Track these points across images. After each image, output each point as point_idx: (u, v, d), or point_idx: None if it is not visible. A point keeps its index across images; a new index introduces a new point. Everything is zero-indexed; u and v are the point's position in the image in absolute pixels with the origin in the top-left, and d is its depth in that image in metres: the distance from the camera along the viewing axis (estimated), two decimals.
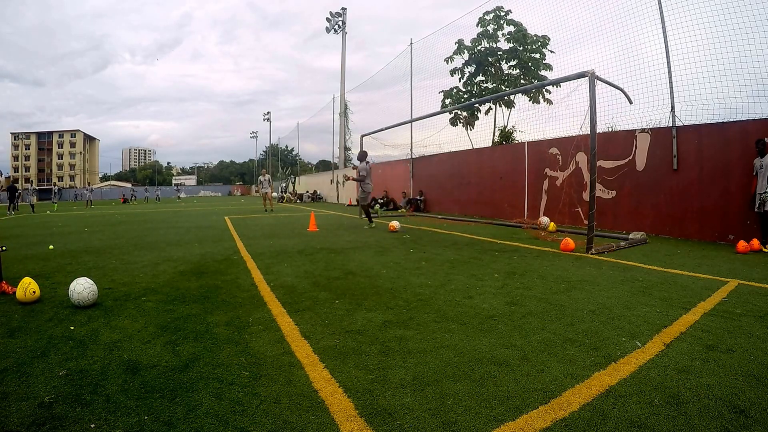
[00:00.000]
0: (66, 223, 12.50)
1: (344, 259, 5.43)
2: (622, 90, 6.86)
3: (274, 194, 27.99)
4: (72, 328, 2.76)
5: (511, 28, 14.44)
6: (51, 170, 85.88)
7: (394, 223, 8.84)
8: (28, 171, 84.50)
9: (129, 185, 59.85)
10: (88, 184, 34.48)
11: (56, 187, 29.90)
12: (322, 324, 2.84)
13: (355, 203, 20.57)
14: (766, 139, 6.16)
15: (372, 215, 10.16)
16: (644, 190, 8.25)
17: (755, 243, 5.99)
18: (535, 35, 14.08)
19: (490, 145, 14.25)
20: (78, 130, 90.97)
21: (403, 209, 16.28)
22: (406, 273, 4.50)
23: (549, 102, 13.74)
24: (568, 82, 7.00)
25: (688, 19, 7.31)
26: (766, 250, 5.82)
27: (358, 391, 1.90)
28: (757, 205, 6.14)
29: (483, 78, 15.45)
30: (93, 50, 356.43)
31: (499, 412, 1.71)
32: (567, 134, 9.80)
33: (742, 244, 5.93)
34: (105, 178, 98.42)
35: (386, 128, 13.28)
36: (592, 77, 5.79)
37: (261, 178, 17.87)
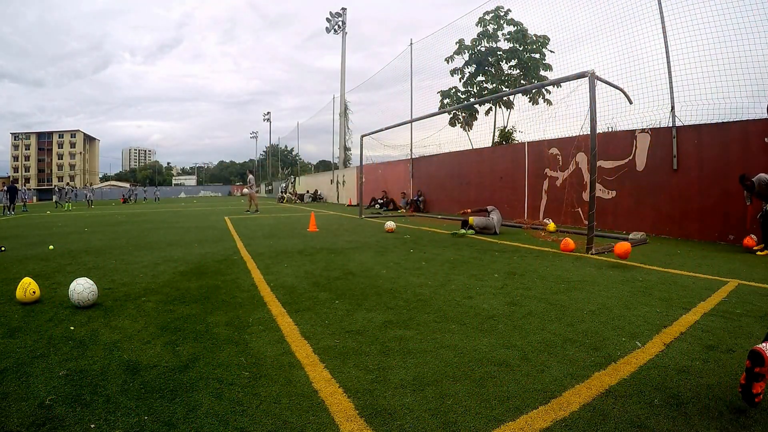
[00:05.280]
0: (66, 223, 12.50)
1: (344, 259, 5.43)
2: (622, 90, 6.86)
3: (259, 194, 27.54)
4: (72, 328, 2.76)
5: (511, 28, 14.44)
6: (51, 170, 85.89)
7: (390, 224, 8.85)
8: (28, 171, 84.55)
9: (127, 185, 59.75)
10: (90, 184, 34.80)
11: (68, 186, 30.70)
12: (322, 324, 2.84)
13: (356, 203, 20.55)
14: (746, 174, 5.85)
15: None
16: (644, 190, 8.25)
17: (750, 241, 6.03)
18: (535, 35, 14.08)
19: (490, 145, 14.25)
20: (78, 131, 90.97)
21: (402, 209, 16.28)
22: (406, 273, 4.50)
23: (549, 102, 13.74)
24: (568, 83, 7.01)
25: (688, 19, 7.31)
26: (761, 254, 5.77)
27: (358, 391, 1.89)
28: (759, 214, 6.07)
29: (483, 78, 15.46)
30: (93, 50, 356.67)
31: (499, 412, 1.71)
32: (567, 134, 9.80)
33: (749, 239, 6.04)
34: (105, 178, 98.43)
35: (386, 128, 13.28)
36: (592, 77, 5.79)
37: (252, 177, 17.43)
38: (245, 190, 17.49)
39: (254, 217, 14.11)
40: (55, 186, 34.67)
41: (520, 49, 14.30)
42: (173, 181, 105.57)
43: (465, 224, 8.30)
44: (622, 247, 5.14)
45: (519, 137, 13.44)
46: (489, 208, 8.58)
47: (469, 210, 8.78)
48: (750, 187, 5.76)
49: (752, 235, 6.35)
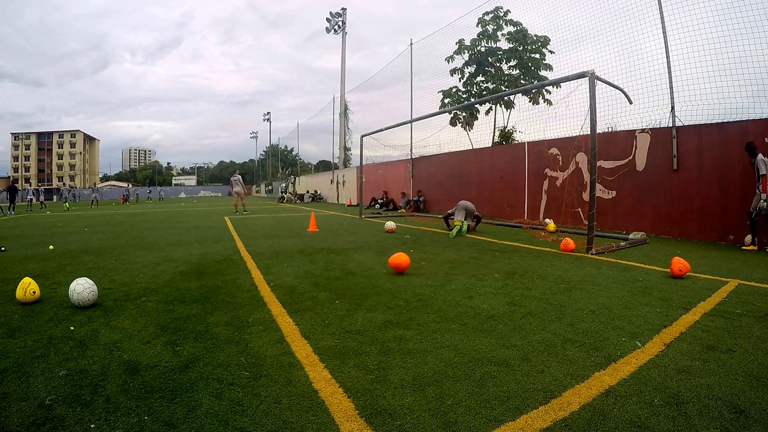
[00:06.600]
0: (66, 223, 12.50)
1: (344, 259, 5.43)
2: (622, 90, 6.85)
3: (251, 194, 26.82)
4: (72, 328, 2.76)
5: (511, 29, 14.44)
6: (51, 170, 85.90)
7: (390, 224, 8.86)
8: (28, 171, 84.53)
9: (127, 185, 59.84)
10: (95, 184, 35.02)
11: (67, 187, 31.47)
12: (322, 324, 2.84)
13: (356, 203, 20.54)
14: (754, 144, 6.16)
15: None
16: (644, 190, 8.25)
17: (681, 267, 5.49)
18: (535, 35, 14.08)
19: (490, 145, 14.25)
20: (78, 131, 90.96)
21: (402, 209, 16.28)
22: (406, 273, 4.50)
23: (549, 102, 13.74)
24: (568, 83, 7.00)
25: (688, 19, 7.31)
26: (746, 248, 5.79)
27: (358, 391, 1.90)
28: (754, 211, 6.08)
29: (483, 78, 15.46)
30: (93, 50, 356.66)
31: (499, 412, 1.71)
32: (567, 134, 9.80)
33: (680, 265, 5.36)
34: (105, 178, 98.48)
35: (386, 128, 13.27)
36: (592, 77, 5.79)
37: (236, 177, 16.70)
38: (237, 189, 16.64)
39: (254, 217, 14.11)
40: (43, 188, 35.20)
41: (521, 49, 14.30)
42: (173, 181, 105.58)
43: (450, 227, 8.40)
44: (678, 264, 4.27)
45: (519, 137, 13.45)
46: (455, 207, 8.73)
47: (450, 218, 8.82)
48: (754, 153, 6.08)
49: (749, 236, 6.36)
